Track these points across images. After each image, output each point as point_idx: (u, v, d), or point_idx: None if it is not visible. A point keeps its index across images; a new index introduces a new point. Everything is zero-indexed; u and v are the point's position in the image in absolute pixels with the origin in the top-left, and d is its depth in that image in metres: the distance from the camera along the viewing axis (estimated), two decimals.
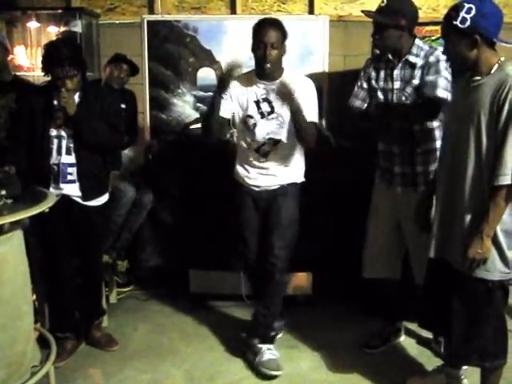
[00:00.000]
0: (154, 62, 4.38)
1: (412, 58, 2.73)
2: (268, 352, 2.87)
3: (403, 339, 3.16)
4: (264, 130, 2.80)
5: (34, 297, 2.79)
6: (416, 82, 2.70)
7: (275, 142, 2.81)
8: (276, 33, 2.66)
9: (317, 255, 3.52)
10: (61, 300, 2.98)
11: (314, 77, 4.37)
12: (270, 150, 2.82)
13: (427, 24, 3.65)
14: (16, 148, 2.88)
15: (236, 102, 2.81)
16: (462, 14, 2.10)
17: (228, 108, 2.79)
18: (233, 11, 4.34)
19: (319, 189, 3.52)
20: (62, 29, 4.02)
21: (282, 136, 2.81)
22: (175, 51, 4.37)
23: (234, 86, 2.78)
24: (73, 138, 2.82)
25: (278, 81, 2.72)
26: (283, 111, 2.76)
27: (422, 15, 4.23)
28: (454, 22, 2.11)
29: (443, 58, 2.65)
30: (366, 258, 3.01)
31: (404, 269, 2.98)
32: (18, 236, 2.34)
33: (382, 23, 2.69)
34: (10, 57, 3.56)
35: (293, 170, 2.90)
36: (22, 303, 2.36)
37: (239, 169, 2.94)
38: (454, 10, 2.14)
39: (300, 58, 4.40)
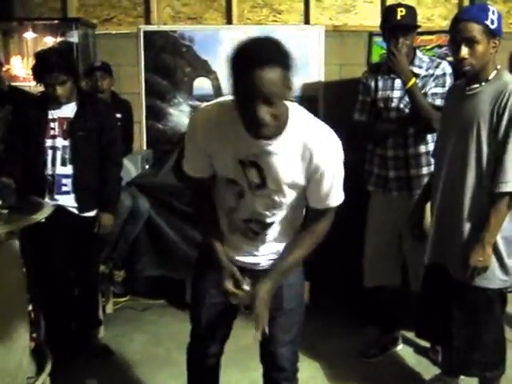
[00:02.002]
0: (150, 72, 4.40)
1: (416, 69, 2.79)
2: None
3: (401, 348, 3.15)
4: (249, 207, 1.78)
5: (30, 307, 2.78)
6: None
7: (265, 226, 1.83)
8: (273, 71, 1.47)
9: (314, 264, 3.51)
10: (57, 311, 2.97)
11: (310, 86, 4.43)
12: (258, 231, 1.84)
13: (422, 34, 3.68)
14: (12, 159, 2.87)
15: (208, 153, 1.73)
16: (490, 15, 2.08)
17: (204, 165, 1.77)
18: (228, 21, 4.37)
19: None
20: (59, 39, 4.04)
21: (277, 218, 1.81)
22: (171, 61, 4.39)
23: (205, 128, 1.69)
24: (68, 150, 2.82)
25: (277, 139, 1.61)
26: (280, 188, 1.72)
27: None
28: (486, 22, 2.08)
29: (449, 70, 2.74)
30: (365, 266, 3.02)
31: (402, 276, 2.98)
32: (13, 246, 2.34)
33: (408, 27, 2.76)
34: (6, 67, 3.57)
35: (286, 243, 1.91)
36: (17, 314, 2.35)
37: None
38: (481, 11, 2.11)
39: (296, 67, 4.42)
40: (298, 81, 4.42)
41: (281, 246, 1.90)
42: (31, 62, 3.97)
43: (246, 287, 1.78)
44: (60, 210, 2.79)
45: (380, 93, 2.88)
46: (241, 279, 1.79)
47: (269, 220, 1.81)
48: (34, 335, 2.79)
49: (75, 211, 2.87)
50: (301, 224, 1.92)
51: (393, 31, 2.77)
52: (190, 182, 1.86)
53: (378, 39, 3.87)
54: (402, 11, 2.75)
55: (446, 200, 2.28)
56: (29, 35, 4.11)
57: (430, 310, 2.42)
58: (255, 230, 1.84)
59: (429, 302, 2.44)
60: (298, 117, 1.66)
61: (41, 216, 2.32)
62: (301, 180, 1.70)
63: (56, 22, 4.17)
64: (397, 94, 2.82)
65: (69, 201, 2.85)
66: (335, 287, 3.57)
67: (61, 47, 3.54)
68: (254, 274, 1.86)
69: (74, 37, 4.00)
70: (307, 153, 1.65)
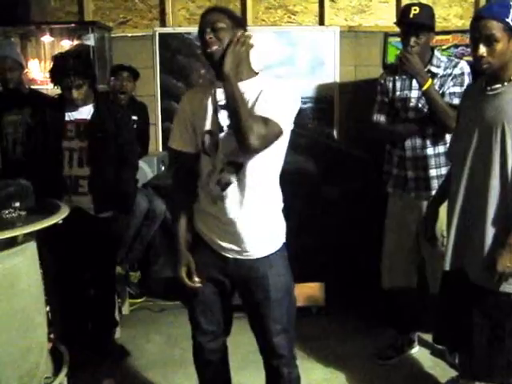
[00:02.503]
0: (165, 74, 4.42)
1: (433, 68, 2.76)
2: None
3: (417, 350, 3.12)
4: (223, 149, 1.92)
5: (48, 308, 2.81)
6: None
7: (237, 167, 1.92)
8: (215, 13, 1.90)
9: (329, 265, 3.51)
10: (74, 311, 2.99)
11: (325, 87, 4.42)
12: (229, 180, 1.93)
13: (438, 33, 3.64)
14: (30, 161, 2.91)
15: (191, 120, 2.00)
16: None
17: (188, 138, 2.00)
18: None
19: (331, 199, 3.52)
20: (75, 42, 4.08)
21: (246, 159, 1.91)
22: (186, 63, 4.41)
23: (189, 98, 2.07)
24: (85, 151, 2.84)
25: (244, 82, 1.90)
26: None
27: None
28: (507, 20, 2.02)
29: (467, 70, 2.72)
30: (384, 268, 2.99)
31: (419, 278, 2.96)
32: (31, 247, 2.36)
33: (421, 26, 2.71)
34: (25, 70, 3.61)
35: (270, 228, 2.01)
36: (35, 314, 2.37)
37: (197, 212, 2.06)
38: (502, 8, 2.05)
39: (311, 68, 4.42)
40: (314, 82, 4.41)
41: (252, 217, 1.95)
42: (48, 65, 4.02)
43: (196, 279, 2.02)
44: (77, 210, 2.81)
45: (398, 93, 2.86)
46: (193, 271, 2.02)
47: (239, 160, 1.90)
48: (52, 336, 2.82)
49: (92, 212, 2.89)
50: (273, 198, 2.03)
51: (405, 30, 2.74)
52: (177, 161, 2.08)
53: (394, 39, 3.85)
54: (415, 10, 2.72)
55: (468, 204, 2.20)
56: (46, 39, 4.15)
57: (449, 316, 2.38)
58: (228, 180, 1.92)
59: (447, 307, 2.38)
60: (264, 76, 1.99)
61: (58, 218, 2.34)
62: (257, 107, 1.88)
63: (73, 25, 4.21)
64: (415, 93, 2.80)
65: (85, 202, 2.87)
66: (350, 289, 3.55)
67: (78, 50, 3.57)
68: (244, 266, 1.99)
69: (91, 40, 4.04)
70: (265, 92, 1.89)
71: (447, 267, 2.29)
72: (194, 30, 4.38)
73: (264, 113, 1.83)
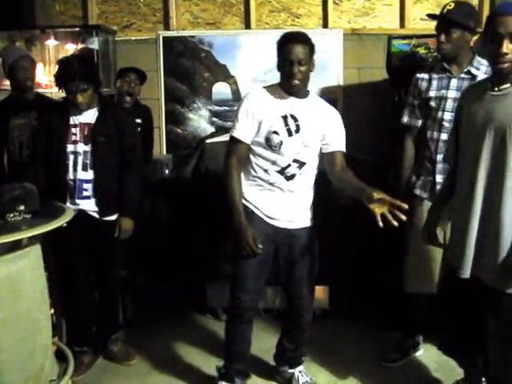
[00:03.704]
0: (169, 77, 4.44)
1: (474, 70, 2.68)
2: (301, 376, 2.82)
3: (421, 353, 3.12)
4: (291, 149, 2.51)
5: (52, 311, 2.81)
6: None
7: (301, 165, 2.54)
8: (304, 48, 2.43)
9: (334, 268, 3.50)
10: (78, 314, 3.00)
11: (329, 90, 4.42)
12: (295, 173, 2.54)
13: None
14: (35, 164, 2.91)
15: (260, 118, 2.50)
16: None
17: (251, 131, 2.52)
18: (247, 26, 4.39)
19: (338, 202, 3.51)
20: (80, 46, 4.10)
21: (308, 159, 2.55)
22: (190, 66, 4.42)
23: (258, 99, 2.53)
24: (89, 155, 2.85)
25: (305, 99, 2.54)
26: (308, 132, 2.53)
27: None
28: None
29: None
30: (409, 272, 2.90)
31: None
32: (36, 251, 2.37)
33: (451, 23, 2.63)
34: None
35: (309, 207, 2.64)
36: (40, 317, 2.38)
37: (251, 192, 2.58)
38: None
39: (315, 71, 4.42)
40: (317, 84, 4.42)
41: (304, 201, 2.61)
42: (53, 68, 4.04)
43: (260, 246, 2.47)
44: (81, 214, 2.82)
45: (434, 92, 2.77)
46: (256, 239, 2.46)
47: (304, 159, 2.53)
48: (56, 339, 2.83)
49: (96, 215, 2.90)
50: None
51: (437, 26, 2.67)
52: (234, 148, 2.54)
53: (397, 42, 3.84)
54: (450, 5, 2.63)
55: (485, 206, 2.13)
56: (51, 43, 4.17)
57: (459, 323, 2.34)
58: (292, 173, 2.53)
59: (457, 315, 2.33)
60: (315, 95, 2.65)
61: (63, 221, 2.34)
62: (320, 128, 2.56)
63: (77, 29, 4.23)
64: (452, 94, 2.71)
65: (90, 205, 2.88)
66: (354, 292, 3.55)
67: (82, 54, 3.59)
68: (289, 234, 2.58)
69: (95, 43, 4.05)
70: (324, 112, 2.60)
71: (466, 275, 2.18)
72: (197, 33, 4.41)
73: (335, 143, 2.58)
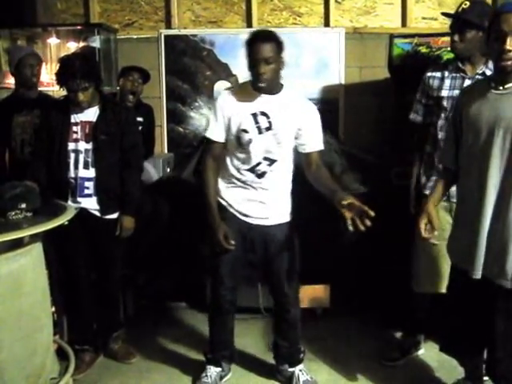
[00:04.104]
0: (171, 76, 4.43)
1: (488, 72, 2.63)
2: (301, 374, 2.83)
3: (422, 352, 3.12)
4: (260, 147, 2.53)
5: (53, 309, 2.82)
6: None
7: (271, 162, 2.57)
8: (271, 46, 2.39)
9: (334, 267, 3.51)
10: (79, 312, 3.00)
11: (330, 89, 4.42)
12: (265, 170, 2.57)
13: (443, 35, 3.64)
14: (36, 162, 2.92)
15: (229, 116, 2.54)
16: None
17: (222, 130, 2.57)
18: (249, 25, 4.38)
19: None
20: (81, 44, 4.10)
21: (279, 156, 2.57)
22: (192, 65, 4.42)
23: (227, 98, 2.57)
24: (91, 153, 2.85)
25: (276, 95, 2.52)
26: (282, 129, 2.53)
27: (438, 26, 4.25)
28: None
29: None
30: (418, 272, 2.87)
31: None
32: (37, 249, 2.37)
33: (465, 23, 2.60)
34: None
35: (284, 203, 2.67)
36: (41, 315, 2.38)
37: (225, 190, 2.64)
38: None
39: (316, 70, 4.42)
40: (318, 83, 4.41)
41: (278, 198, 2.63)
42: (55, 67, 4.04)
43: (232, 242, 2.54)
44: (82, 212, 2.82)
45: (446, 91, 2.72)
46: (228, 236, 2.54)
47: (275, 156, 2.54)
48: (57, 337, 2.83)
49: (97, 214, 2.90)
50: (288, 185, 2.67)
51: (451, 25, 2.64)
52: (209, 148, 2.61)
53: (399, 41, 3.84)
54: (465, 4, 2.58)
55: (492, 207, 2.12)
56: (52, 41, 4.17)
57: (464, 324, 2.33)
58: (262, 171, 2.55)
59: (463, 315, 2.33)
60: (289, 89, 2.57)
61: (64, 219, 2.35)
62: (294, 124, 2.54)
63: (79, 27, 4.23)
64: None
65: (91, 203, 2.88)
66: (355, 291, 3.55)
67: (84, 53, 3.58)
68: (263, 229, 2.61)
69: (96, 42, 4.05)
70: (298, 107, 2.55)
71: (478, 275, 2.17)
72: (199, 31, 4.41)
73: (312, 142, 2.58)
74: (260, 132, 2.51)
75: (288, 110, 2.53)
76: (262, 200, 2.60)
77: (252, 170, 2.56)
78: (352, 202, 2.21)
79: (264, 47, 2.37)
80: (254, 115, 2.51)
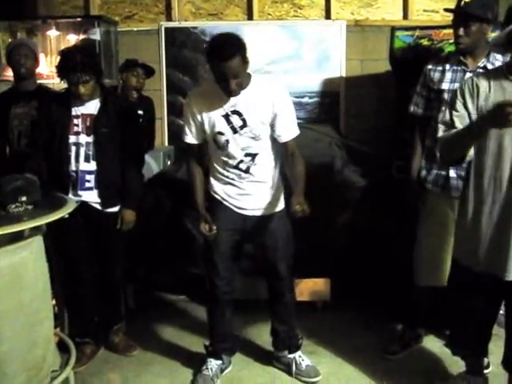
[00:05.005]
0: (171, 68, 4.43)
1: (490, 66, 2.62)
2: (301, 360, 2.87)
3: (424, 345, 3.12)
4: (238, 146, 2.56)
5: (54, 302, 2.82)
6: None
7: (253, 157, 2.59)
8: (236, 60, 2.32)
9: (335, 260, 3.50)
10: (80, 305, 3.00)
11: (332, 81, 4.41)
12: (249, 165, 2.60)
13: (444, 27, 3.63)
14: (36, 155, 2.91)
15: (200, 120, 2.55)
16: None
17: (197, 132, 2.60)
18: (249, 17, 4.37)
19: (337, 193, 3.50)
20: (81, 37, 4.09)
21: (259, 149, 2.58)
22: (192, 57, 4.41)
23: (196, 102, 2.56)
24: (92, 146, 2.85)
25: (245, 89, 2.47)
26: (257, 123, 2.52)
27: (440, 18, 4.23)
28: None
29: None
30: (420, 266, 2.86)
31: None
32: (38, 241, 2.36)
33: (469, 16, 2.57)
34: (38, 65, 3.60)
35: (276, 192, 2.68)
36: (42, 308, 2.38)
37: (218, 186, 2.69)
38: None
39: (317, 62, 4.41)
40: (320, 76, 4.40)
41: (269, 188, 2.65)
42: (55, 59, 4.03)
43: (214, 227, 2.59)
44: (83, 205, 2.82)
45: (447, 84, 2.71)
46: (210, 222, 2.59)
47: (255, 150, 2.57)
48: (58, 329, 2.83)
49: (98, 207, 2.89)
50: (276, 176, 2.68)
51: (454, 19, 2.62)
52: (190, 150, 2.67)
53: (400, 34, 3.82)
54: None
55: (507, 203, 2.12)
56: (52, 33, 4.16)
57: (471, 321, 2.35)
58: (246, 167, 2.59)
59: (470, 312, 2.34)
60: (258, 78, 2.54)
61: (65, 212, 2.34)
62: (268, 114, 2.52)
63: (79, 19, 4.21)
64: None
65: (92, 197, 2.87)
66: (355, 284, 3.55)
67: (84, 45, 3.58)
68: (258, 221, 2.66)
69: (97, 34, 4.04)
70: (268, 96, 2.50)
71: (478, 268, 2.19)
72: (199, 24, 4.39)
73: (284, 130, 2.56)
74: (235, 131, 2.53)
75: (259, 102, 2.51)
76: (252, 193, 2.64)
77: (236, 167, 2.60)
78: (298, 212, 2.35)
79: (231, 64, 2.31)
80: (226, 116, 2.51)
